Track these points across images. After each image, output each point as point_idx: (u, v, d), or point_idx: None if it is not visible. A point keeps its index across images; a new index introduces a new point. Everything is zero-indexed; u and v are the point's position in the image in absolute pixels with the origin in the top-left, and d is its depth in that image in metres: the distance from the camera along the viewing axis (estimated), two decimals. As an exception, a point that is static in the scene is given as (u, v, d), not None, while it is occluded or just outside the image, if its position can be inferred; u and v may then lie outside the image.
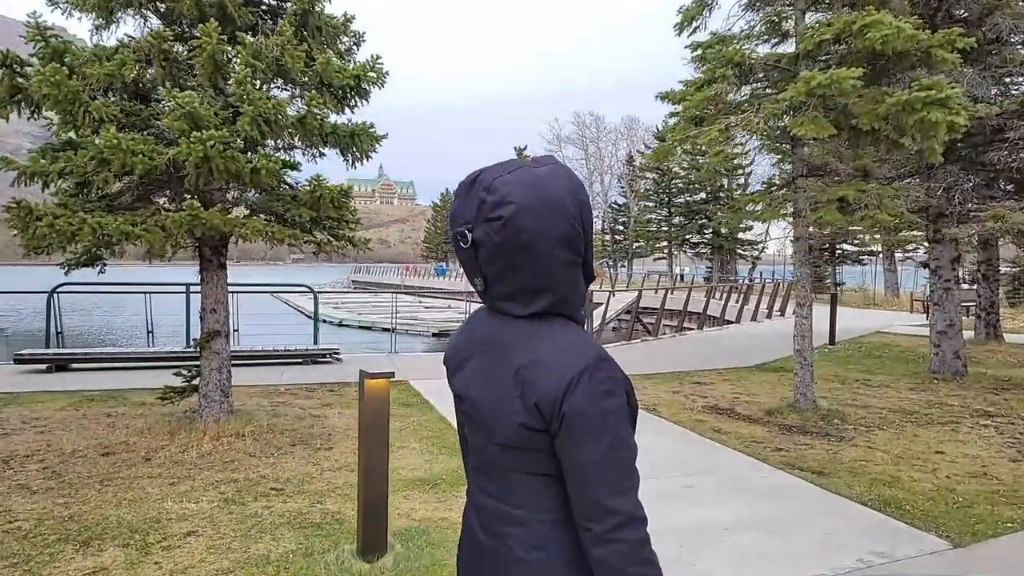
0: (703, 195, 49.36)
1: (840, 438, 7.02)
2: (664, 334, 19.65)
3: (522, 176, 1.20)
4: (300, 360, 11.21)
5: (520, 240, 1.17)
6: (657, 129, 49.79)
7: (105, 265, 6.76)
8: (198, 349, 6.68)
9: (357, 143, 6.80)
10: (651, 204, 54.67)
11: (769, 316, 22.83)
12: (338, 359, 11.56)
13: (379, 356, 12.63)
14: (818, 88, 6.42)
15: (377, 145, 6.91)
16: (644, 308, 25.54)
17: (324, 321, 33.72)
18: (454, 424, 7.47)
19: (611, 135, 64.20)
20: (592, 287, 13.95)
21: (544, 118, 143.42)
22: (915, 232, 12.98)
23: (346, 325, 33.40)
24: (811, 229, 22.21)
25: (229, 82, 5.66)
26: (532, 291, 1.23)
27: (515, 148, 78.86)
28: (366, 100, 6.52)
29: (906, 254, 32.66)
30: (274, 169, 5.54)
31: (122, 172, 5.49)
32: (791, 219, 7.84)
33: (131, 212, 5.79)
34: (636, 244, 56.83)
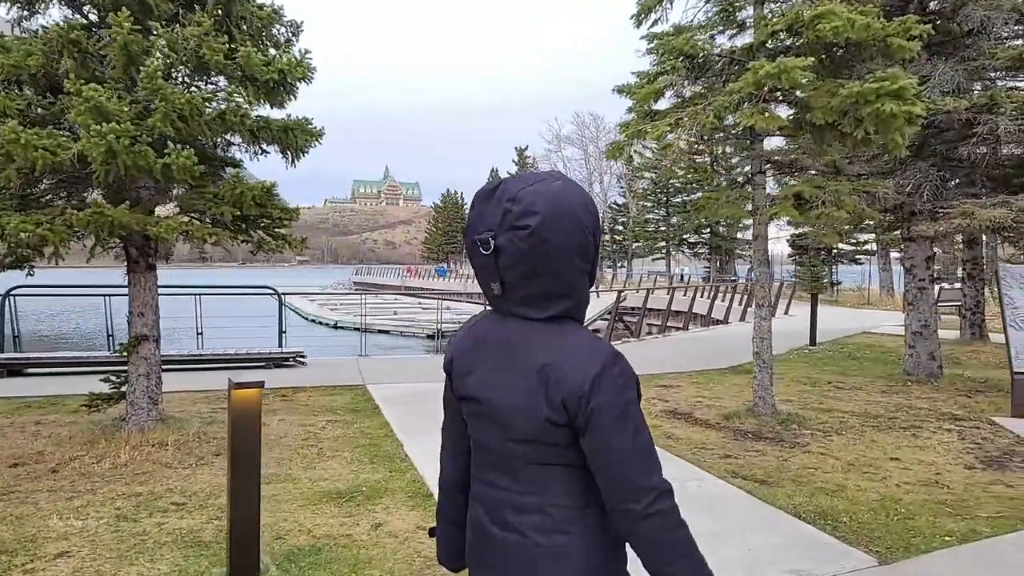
0: (700, 194, 48.85)
1: (794, 444, 6.74)
2: (650, 334, 19.37)
3: (542, 189, 1.29)
4: (263, 364, 10.97)
5: (544, 249, 1.26)
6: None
7: (33, 267, 6.52)
8: (124, 354, 6.43)
9: (291, 139, 6.56)
10: (649, 204, 54.32)
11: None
12: (302, 362, 11.32)
13: (347, 359, 12.37)
14: (766, 78, 6.14)
15: (315, 141, 6.68)
16: (631, 308, 25.25)
17: (320, 323, 33.78)
18: (395, 431, 7.26)
19: (610, 135, 63.57)
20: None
21: (545, 117, 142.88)
22: (896, 232, 12.66)
23: (342, 327, 33.13)
24: (807, 229, 21.46)
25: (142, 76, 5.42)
26: (550, 296, 1.32)
27: (516, 148, 78.76)
28: (292, 96, 6.27)
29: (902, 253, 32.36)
30: (188, 166, 5.28)
31: (27, 168, 5.24)
32: (750, 217, 7.55)
33: (40, 211, 5.55)
34: (636, 244, 56.46)
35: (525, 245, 1.26)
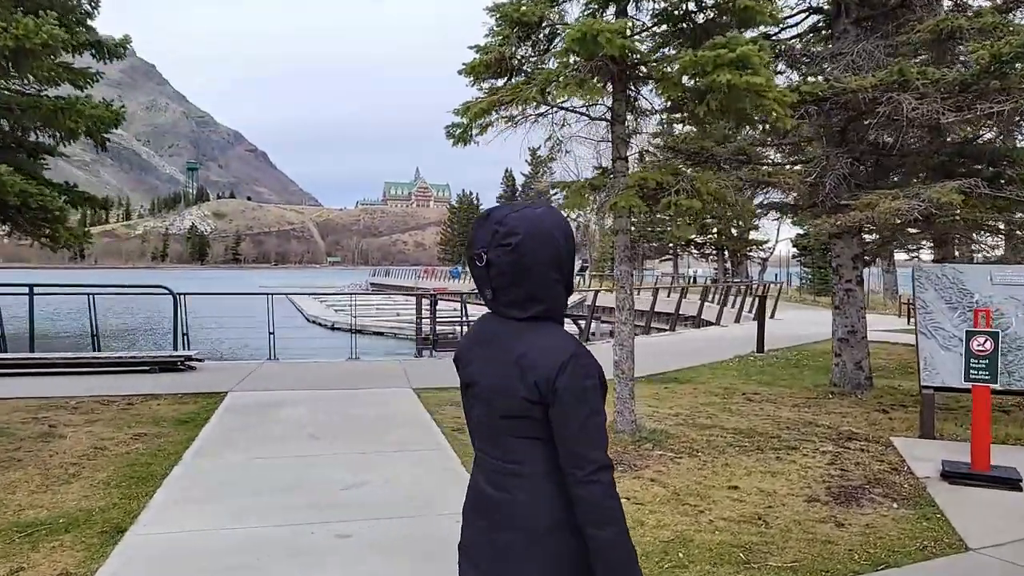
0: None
1: (632, 467, 5.87)
2: (612, 336, 18.48)
3: (525, 214, 1.60)
4: (146, 368, 10.35)
5: (523, 262, 1.57)
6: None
7: None
8: None
9: (61, 120, 5.90)
10: (656, 204, 53.06)
11: (737, 320, 21.41)
12: (191, 367, 10.66)
13: (250, 364, 11.65)
14: (577, 44, 5.30)
15: (83, 124, 6.05)
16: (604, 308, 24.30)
17: (319, 324, 33.41)
18: (192, 448, 6.47)
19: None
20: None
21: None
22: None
23: (338, 328, 32.78)
24: (820, 226, 20.45)
25: None
26: (529, 300, 1.62)
27: (529, 148, 78.31)
28: (38, 66, 5.60)
29: (910, 255, 30.75)
30: None
31: None
32: (602, 210, 6.69)
33: None
34: (647, 245, 55.32)
35: (508, 259, 1.56)
